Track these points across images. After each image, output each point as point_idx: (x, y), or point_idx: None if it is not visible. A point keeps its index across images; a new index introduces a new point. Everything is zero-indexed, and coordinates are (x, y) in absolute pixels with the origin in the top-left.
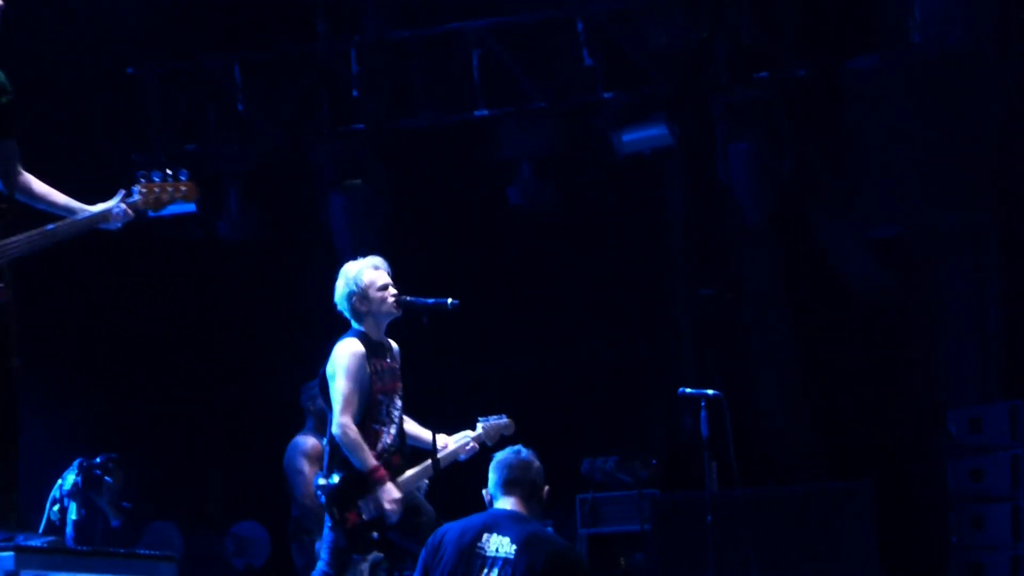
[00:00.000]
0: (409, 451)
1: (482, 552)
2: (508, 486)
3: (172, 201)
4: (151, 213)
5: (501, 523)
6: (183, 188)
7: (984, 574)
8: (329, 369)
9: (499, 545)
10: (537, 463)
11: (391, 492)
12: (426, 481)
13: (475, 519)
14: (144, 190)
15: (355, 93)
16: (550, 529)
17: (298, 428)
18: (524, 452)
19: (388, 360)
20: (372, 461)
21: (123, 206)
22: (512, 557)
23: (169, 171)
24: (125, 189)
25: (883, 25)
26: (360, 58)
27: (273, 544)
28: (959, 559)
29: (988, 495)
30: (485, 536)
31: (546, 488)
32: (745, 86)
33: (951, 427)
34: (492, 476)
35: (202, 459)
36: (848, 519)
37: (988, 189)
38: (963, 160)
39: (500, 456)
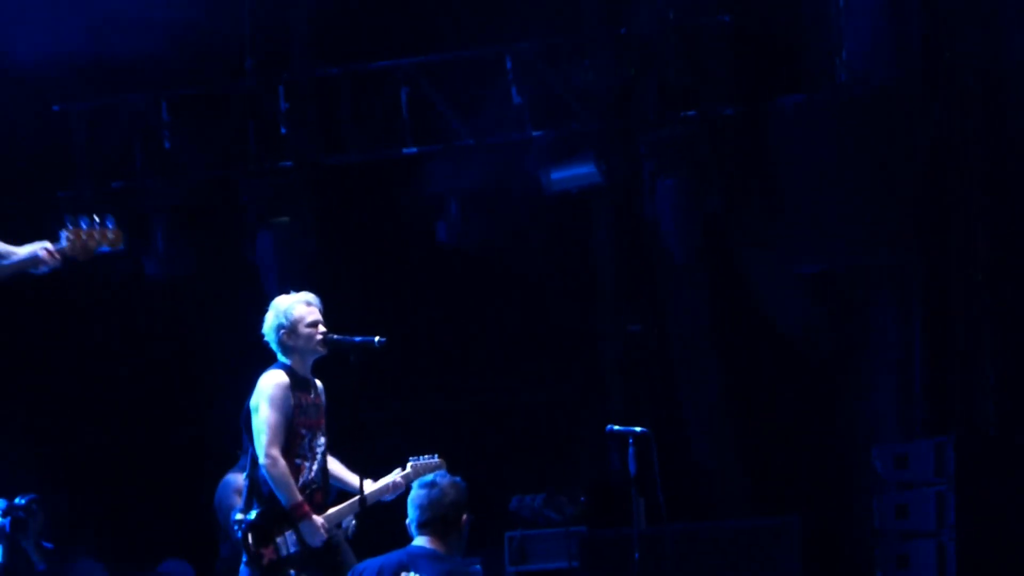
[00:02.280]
0: (335, 492)
1: None
2: (421, 527)
3: (98, 247)
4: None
5: (419, 562)
6: (110, 235)
7: None
8: (253, 401)
9: None
10: (452, 494)
11: (315, 527)
12: (354, 521)
13: (392, 557)
14: (72, 236)
15: (283, 130)
16: (478, 567)
17: (225, 465)
18: (439, 484)
19: (312, 396)
20: (297, 497)
21: (49, 252)
22: None
23: (96, 217)
24: (52, 233)
25: (810, 64)
26: (288, 95)
27: None
28: None
29: (913, 531)
30: (402, 575)
31: (465, 517)
32: (672, 124)
33: (876, 464)
34: (409, 511)
35: (129, 496)
36: (775, 555)
37: (914, 227)
38: (889, 198)
39: (414, 492)
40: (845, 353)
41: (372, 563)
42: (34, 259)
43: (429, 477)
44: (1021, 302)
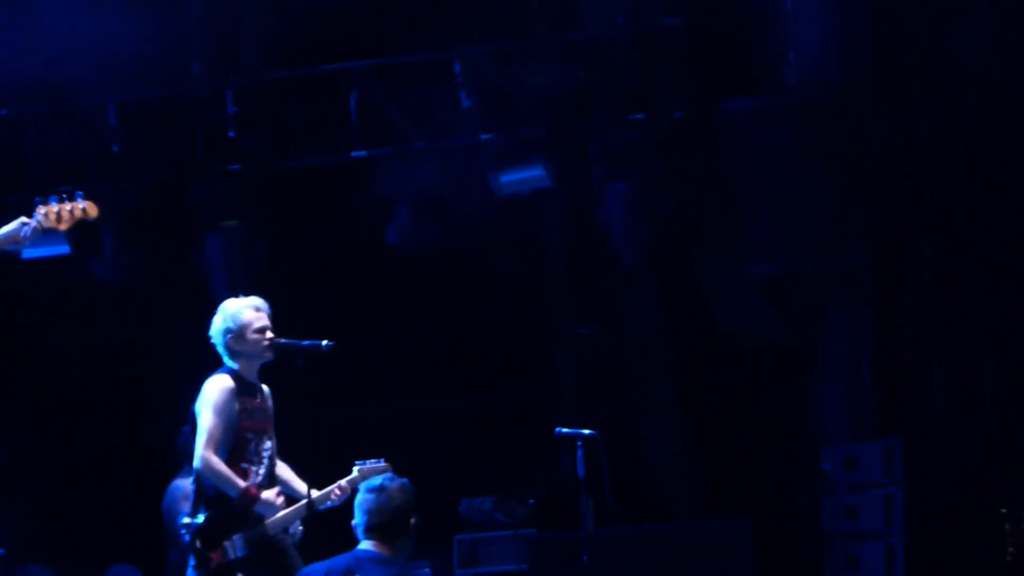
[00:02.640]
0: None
1: None
2: (369, 531)
3: (74, 217)
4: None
5: (364, 566)
6: (82, 205)
7: None
8: (198, 405)
9: None
10: (400, 498)
11: (269, 502)
12: (300, 527)
13: (339, 561)
14: (44, 211)
15: (232, 134)
16: (427, 571)
17: (173, 470)
18: (387, 488)
19: (259, 400)
20: (240, 484)
21: (29, 225)
22: None
23: (65, 193)
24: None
25: (760, 67)
26: (237, 98)
27: None
28: None
29: (862, 533)
30: None
31: (413, 520)
32: (622, 127)
33: (826, 465)
34: (356, 514)
35: (77, 501)
36: (726, 558)
37: (865, 229)
38: (840, 200)
39: (362, 496)
40: (796, 355)
41: (319, 567)
42: (13, 236)
43: (377, 480)
44: (971, 304)
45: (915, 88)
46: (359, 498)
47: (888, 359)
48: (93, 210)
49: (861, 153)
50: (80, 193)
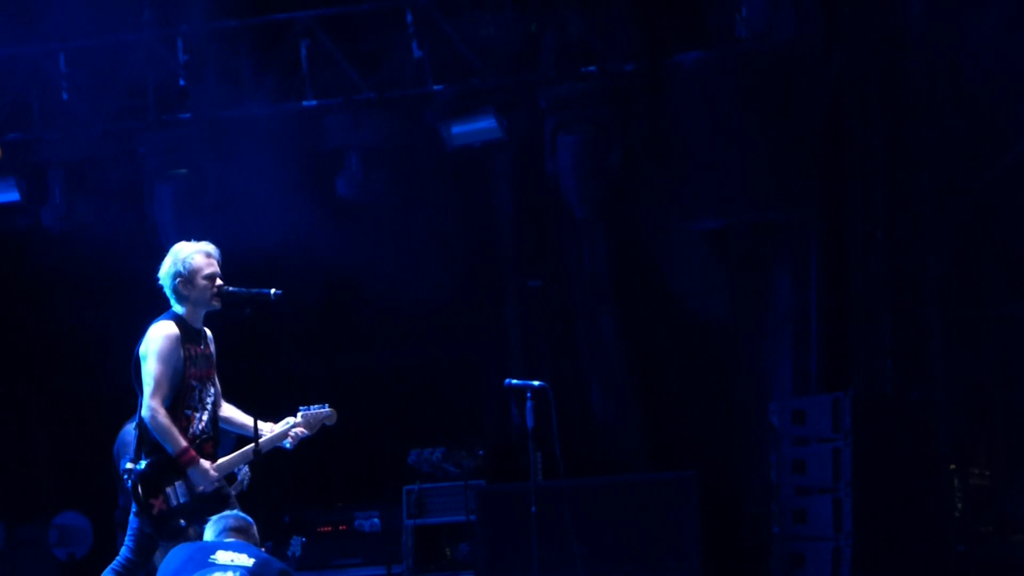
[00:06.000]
0: (235, 439)
1: (215, 562)
2: (232, 532)
3: None
4: None
5: (235, 546)
6: None
7: (805, 565)
8: (142, 350)
9: (234, 557)
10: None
11: (204, 471)
12: (248, 472)
13: (209, 542)
14: None
15: (182, 82)
16: (376, 519)
17: (123, 417)
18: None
19: (203, 347)
20: (182, 443)
21: None
22: (250, 568)
23: None
24: None
25: (710, 20)
26: (187, 47)
27: (95, 534)
28: (781, 550)
29: (810, 487)
30: (219, 551)
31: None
32: (573, 79)
33: (773, 419)
34: (212, 529)
35: (27, 449)
36: (672, 509)
37: (812, 184)
38: (788, 155)
39: (218, 515)
40: (743, 309)
41: (187, 546)
42: None
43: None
44: (918, 258)
45: (864, 43)
46: (213, 520)
47: (835, 314)
48: None
49: (811, 108)
50: None
